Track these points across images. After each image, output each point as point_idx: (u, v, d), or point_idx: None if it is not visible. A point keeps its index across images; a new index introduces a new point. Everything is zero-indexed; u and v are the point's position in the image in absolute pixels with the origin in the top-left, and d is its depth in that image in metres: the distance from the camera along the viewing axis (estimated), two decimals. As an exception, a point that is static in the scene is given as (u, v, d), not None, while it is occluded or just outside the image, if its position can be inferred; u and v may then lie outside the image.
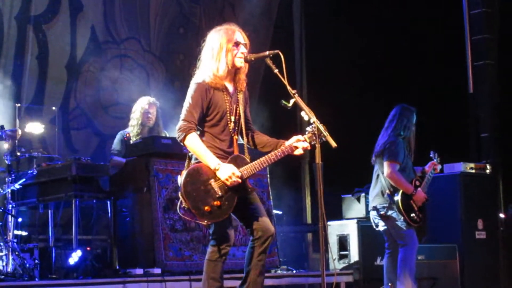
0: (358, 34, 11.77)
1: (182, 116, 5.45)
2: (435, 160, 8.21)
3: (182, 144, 5.44)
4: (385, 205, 7.81)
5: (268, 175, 8.71)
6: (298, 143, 5.54)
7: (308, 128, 5.49)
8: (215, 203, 5.34)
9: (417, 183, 7.90)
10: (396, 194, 7.74)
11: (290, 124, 11.36)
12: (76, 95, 10.62)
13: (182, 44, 11.64)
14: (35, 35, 10.28)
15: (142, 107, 8.59)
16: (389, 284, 7.86)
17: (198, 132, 5.48)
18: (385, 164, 7.78)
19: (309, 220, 12.33)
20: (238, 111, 5.60)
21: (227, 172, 5.33)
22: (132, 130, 8.52)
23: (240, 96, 5.65)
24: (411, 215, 7.74)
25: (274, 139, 5.73)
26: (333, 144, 5.35)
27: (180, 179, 5.38)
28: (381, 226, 7.95)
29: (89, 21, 10.83)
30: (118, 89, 10.90)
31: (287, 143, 5.59)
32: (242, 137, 5.64)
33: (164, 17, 11.61)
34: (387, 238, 7.98)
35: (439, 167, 8.26)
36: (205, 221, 5.37)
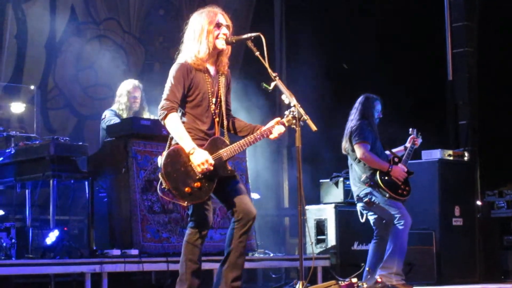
0: (339, 18, 11.76)
1: (164, 95, 5.43)
2: (414, 135, 8.28)
3: (163, 122, 5.42)
4: (367, 191, 7.85)
5: (247, 159, 8.71)
6: (275, 127, 5.53)
7: (286, 112, 5.48)
8: (195, 184, 5.33)
9: (396, 159, 7.98)
10: (374, 175, 7.79)
11: (269, 108, 11.36)
12: (55, 75, 10.55)
13: (162, 26, 11.57)
14: (14, 14, 10.19)
15: (128, 90, 8.55)
16: (367, 269, 7.89)
17: (180, 113, 5.46)
18: (356, 147, 7.86)
19: (286, 205, 12.34)
20: (219, 94, 5.58)
21: (200, 159, 5.30)
22: (122, 114, 8.47)
23: (222, 79, 5.63)
24: (397, 190, 7.80)
25: (251, 124, 5.73)
26: (314, 127, 5.35)
27: (160, 160, 5.35)
28: (369, 216, 7.99)
29: (68, 1, 10.75)
30: (97, 70, 10.84)
31: (266, 126, 5.58)
32: (223, 120, 5.62)
33: (144, -2, 11.55)
34: (376, 226, 8.01)
35: (419, 141, 8.32)
36: (185, 203, 5.35)
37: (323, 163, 10.45)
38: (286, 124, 5.50)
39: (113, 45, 11.21)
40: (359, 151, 7.83)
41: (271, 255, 9.09)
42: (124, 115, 8.48)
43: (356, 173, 7.98)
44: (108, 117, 8.42)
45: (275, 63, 12.49)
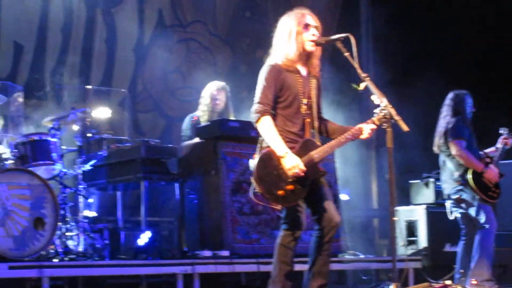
0: (429, 16, 11.61)
1: (256, 98, 5.41)
2: (505, 135, 8.11)
3: (255, 126, 5.40)
4: (458, 188, 7.74)
5: (336, 160, 8.65)
6: (366, 126, 5.46)
7: (376, 110, 5.38)
8: (288, 187, 5.30)
9: (488, 160, 7.82)
10: (466, 173, 7.66)
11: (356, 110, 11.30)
12: (144, 78, 10.68)
13: (248, 28, 11.58)
14: (103, 18, 10.37)
15: (211, 92, 8.56)
16: (461, 271, 7.76)
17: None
18: (451, 144, 7.73)
19: (375, 206, 12.23)
20: (310, 95, 5.55)
21: (291, 164, 5.27)
22: (203, 116, 8.49)
23: (313, 81, 5.60)
24: (487, 192, 7.65)
25: (343, 126, 5.68)
26: (405, 128, 5.26)
27: (253, 164, 5.34)
28: (456, 214, 7.85)
29: (156, 5, 10.90)
30: (184, 72, 10.93)
31: (356, 126, 5.52)
32: (314, 121, 5.58)
33: (230, 0, 11.59)
34: (464, 225, 7.87)
35: (510, 141, 8.14)
36: (279, 206, 5.34)
37: (410, 162, 10.31)
38: (377, 123, 5.42)
39: (200, 48, 11.30)
40: (454, 148, 7.69)
41: (361, 256, 9.01)
42: (205, 117, 8.50)
43: (449, 170, 7.84)
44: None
45: (362, 63, 12.37)
